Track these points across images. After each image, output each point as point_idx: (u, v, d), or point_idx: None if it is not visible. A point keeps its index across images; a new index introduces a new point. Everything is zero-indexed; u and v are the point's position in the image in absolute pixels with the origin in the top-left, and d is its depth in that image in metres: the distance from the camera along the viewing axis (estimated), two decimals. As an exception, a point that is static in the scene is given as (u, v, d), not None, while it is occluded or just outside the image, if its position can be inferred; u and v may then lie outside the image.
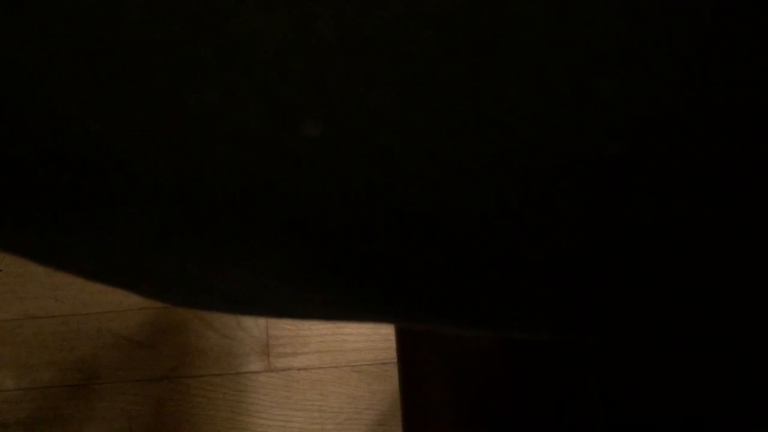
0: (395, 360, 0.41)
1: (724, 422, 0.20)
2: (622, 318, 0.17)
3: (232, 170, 0.15)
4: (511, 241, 0.16)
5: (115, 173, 0.15)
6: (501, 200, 0.15)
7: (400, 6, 0.13)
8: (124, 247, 0.17)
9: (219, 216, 0.16)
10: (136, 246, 0.17)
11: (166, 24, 0.13)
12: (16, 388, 0.96)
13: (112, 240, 0.17)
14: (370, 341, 0.96)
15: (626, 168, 0.14)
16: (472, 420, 0.37)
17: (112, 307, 0.97)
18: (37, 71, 0.14)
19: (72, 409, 0.96)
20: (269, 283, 0.18)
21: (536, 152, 0.14)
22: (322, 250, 0.16)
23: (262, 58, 0.13)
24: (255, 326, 0.97)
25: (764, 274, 0.16)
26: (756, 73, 0.13)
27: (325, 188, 0.15)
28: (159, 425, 0.95)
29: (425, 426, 0.39)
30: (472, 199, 0.15)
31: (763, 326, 0.17)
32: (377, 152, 0.14)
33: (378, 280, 0.17)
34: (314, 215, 0.15)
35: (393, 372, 0.95)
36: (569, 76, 0.13)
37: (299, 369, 0.96)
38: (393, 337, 0.43)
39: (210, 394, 0.96)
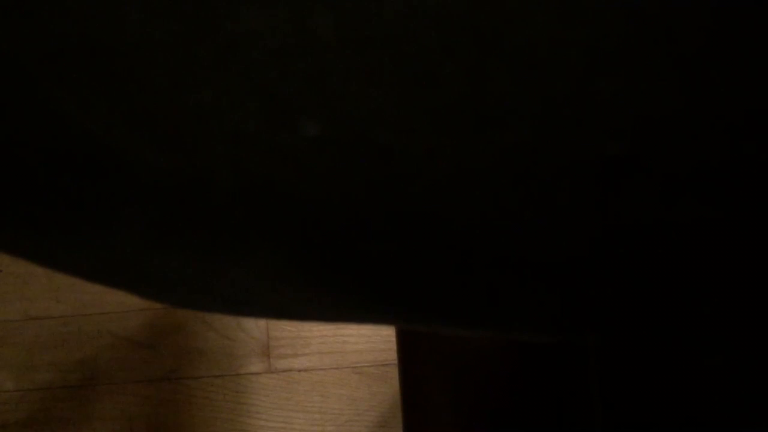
0: (396, 361, 0.41)
1: (724, 422, 0.20)
2: (622, 318, 0.17)
3: (231, 170, 0.15)
4: (511, 241, 0.16)
5: (114, 173, 0.15)
6: (501, 200, 0.15)
7: (399, 4, 0.13)
8: (123, 248, 0.17)
9: (218, 216, 0.16)
10: (135, 246, 0.17)
11: (165, 23, 0.13)
12: (16, 389, 0.96)
13: (111, 240, 0.17)
14: (371, 343, 0.96)
15: (626, 168, 0.14)
16: (473, 421, 0.37)
17: (113, 308, 0.97)
18: (36, 71, 0.14)
19: (72, 410, 0.96)
20: (269, 284, 0.18)
21: (536, 152, 0.14)
22: (321, 250, 0.16)
23: (261, 57, 0.13)
24: (255, 327, 0.97)
25: (764, 274, 0.16)
26: (756, 73, 0.13)
27: (324, 188, 0.15)
28: (159, 426, 0.95)
29: (426, 427, 0.39)
30: (472, 199, 0.15)
31: (763, 326, 0.17)
32: (377, 152, 0.14)
33: (378, 280, 0.17)
34: (314, 215, 0.15)
35: (394, 373, 0.95)
36: (569, 76, 0.13)
37: (300, 370, 0.96)
38: (394, 339, 0.43)
39: (210, 395, 0.95)
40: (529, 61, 0.13)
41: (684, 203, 0.14)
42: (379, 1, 0.13)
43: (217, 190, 0.15)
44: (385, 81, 0.13)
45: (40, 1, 0.13)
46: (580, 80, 0.13)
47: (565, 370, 0.33)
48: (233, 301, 0.20)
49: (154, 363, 0.96)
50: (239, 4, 0.13)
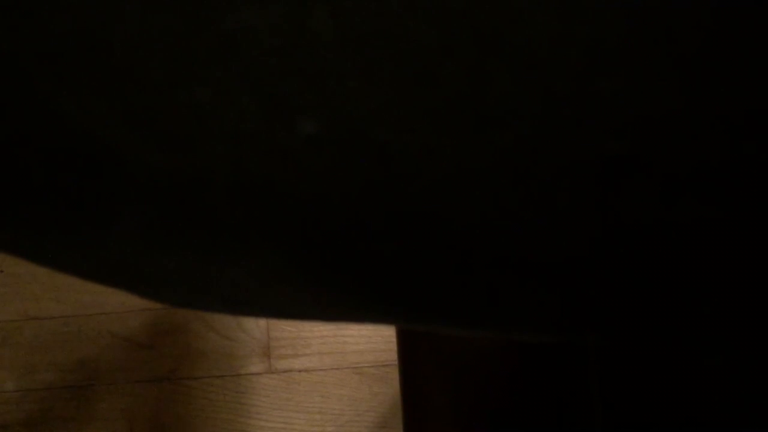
0: (396, 362, 0.41)
1: (723, 422, 0.20)
2: (622, 318, 0.17)
3: (229, 169, 0.15)
4: (511, 241, 0.16)
5: (113, 172, 0.15)
6: (501, 200, 0.15)
7: (398, 3, 0.13)
8: (122, 247, 0.17)
9: (217, 215, 0.16)
10: (134, 246, 0.17)
11: (163, 21, 0.13)
12: (17, 389, 0.96)
13: (110, 240, 0.17)
14: (372, 343, 0.96)
15: (626, 168, 0.14)
16: (473, 421, 0.37)
17: (113, 308, 0.97)
18: (35, 70, 0.14)
19: (72, 411, 0.96)
20: (268, 283, 0.18)
21: (536, 152, 0.14)
22: (321, 249, 0.16)
23: (259, 55, 0.13)
24: (256, 328, 0.97)
25: (764, 274, 0.16)
26: (756, 73, 0.13)
27: (323, 187, 0.15)
28: (159, 427, 0.95)
29: (426, 427, 0.39)
30: (472, 199, 0.15)
31: (763, 326, 0.17)
32: (376, 151, 0.14)
33: (377, 280, 0.17)
34: (313, 215, 0.15)
35: (394, 374, 0.95)
36: (569, 76, 0.13)
37: (300, 371, 0.96)
38: (394, 339, 0.43)
39: (211, 395, 0.95)
40: (529, 60, 0.13)
41: (684, 203, 0.14)
42: None
43: (215, 189, 0.15)
44: (384, 80, 0.13)
45: None
46: (580, 80, 0.13)
47: (565, 371, 0.33)
48: (233, 300, 0.20)
49: (155, 363, 0.96)
50: (237, 2, 0.13)
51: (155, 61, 0.13)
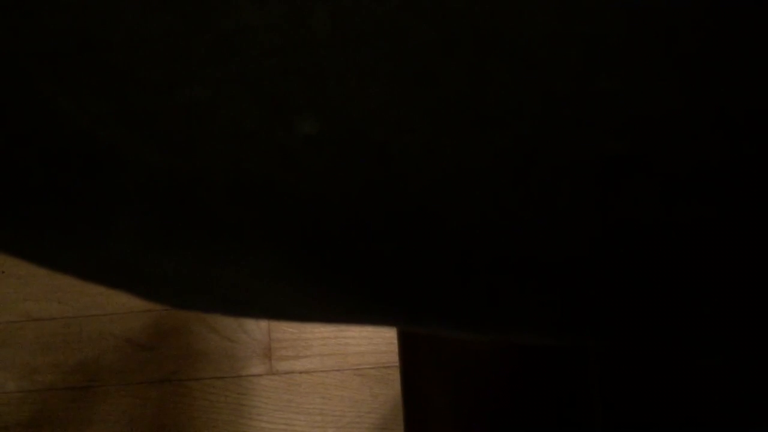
0: (397, 363, 0.42)
1: (723, 422, 0.20)
2: (622, 318, 0.17)
3: (229, 169, 0.15)
4: (511, 242, 0.16)
5: (112, 172, 0.15)
6: (501, 200, 0.15)
7: (397, 1, 0.13)
8: (121, 247, 0.17)
9: (216, 215, 0.16)
10: (133, 246, 0.17)
11: (161, 20, 0.13)
12: (18, 390, 0.96)
13: (109, 240, 0.17)
14: (373, 344, 0.96)
15: (626, 168, 0.14)
16: (474, 422, 0.37)
17: (114, 309, 0.97)
18: (33, 69, 0.14)
19: (73, 412, 0.96)
20: (268, 284, 0.18)
21: (536, 151, 0.14)
22: (321, 249, 0.16)
23: (258, 54, 0.13)
24: (257, 329, 0.97)
25: (764, 274, 0.16)
26: (756, 73, 0.13)
27: (323, 187, 0.15)
28: (160, 428, 0.95)
29: (427, 428, 0.39)
30: (472, 199, 0.15)
31: (763, 326, 0.17)
32: (375, 151, 0.14)
33: (377, 280, 0.17)
34: (313, 215, 0.15)
35: (395, 375, 0.95)
36: (569, 75, 0.13)
37: (301, 372, 0.96)
38: (395, 341, 0.43)
39: (212, 397, 0.96)
40: (529, 60, 0.13)
41: (684, 203, 0.14)
42: None
43: (215, 189, 0.15)
44: (383, 79, 0.13)
45: None
46: (580, 79, 0.13)
47: (565, 371, 0.33)
48: (233, 301, 0.19)
49: (156, 365, 0.96)
50: (237, 2, 0.13)
51: (155, 61, 0.13)
